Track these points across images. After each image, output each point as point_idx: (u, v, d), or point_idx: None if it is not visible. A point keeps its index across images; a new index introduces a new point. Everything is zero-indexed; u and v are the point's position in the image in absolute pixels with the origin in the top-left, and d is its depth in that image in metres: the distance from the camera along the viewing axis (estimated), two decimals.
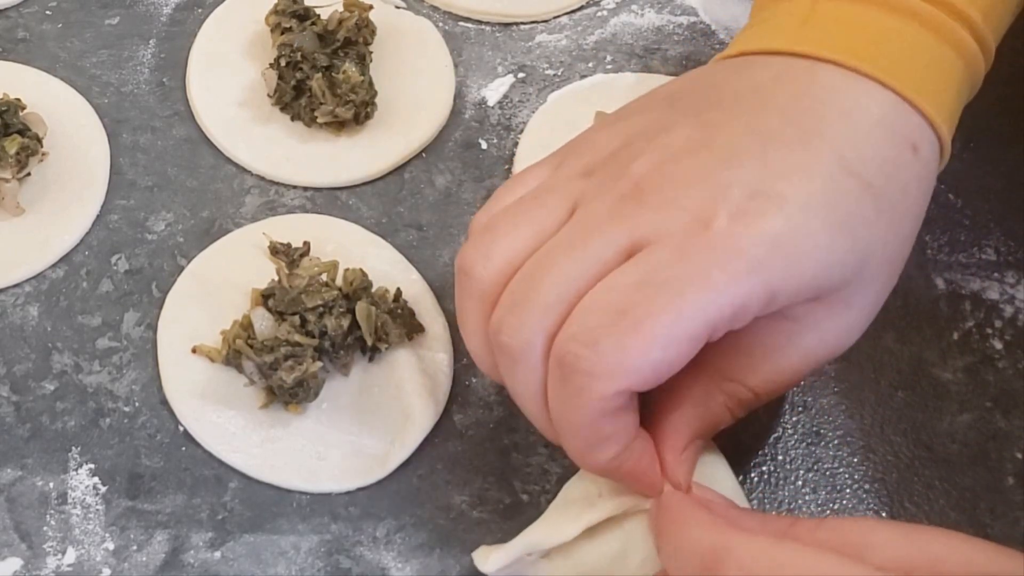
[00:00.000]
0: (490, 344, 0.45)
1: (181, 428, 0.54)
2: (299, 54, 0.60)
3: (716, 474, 0.48)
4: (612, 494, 0.46)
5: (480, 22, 0.67)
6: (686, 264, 0.41)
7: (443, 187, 0.61)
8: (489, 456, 0.54)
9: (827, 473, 0.54)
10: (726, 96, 0.47)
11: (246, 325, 0.54)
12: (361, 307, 0.54)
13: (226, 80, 0.63)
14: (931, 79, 0.47)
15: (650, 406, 0.47)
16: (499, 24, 0.67)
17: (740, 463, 0.54)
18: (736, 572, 0.39)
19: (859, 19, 0.47)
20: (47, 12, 0.66)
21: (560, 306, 0.43)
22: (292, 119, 0.62)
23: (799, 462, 0.54)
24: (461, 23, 0.67)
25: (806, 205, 0.43)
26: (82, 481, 0.52)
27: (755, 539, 0.40)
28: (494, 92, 0.65)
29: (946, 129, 0.47)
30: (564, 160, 0.47)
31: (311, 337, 0.53)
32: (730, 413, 0.47)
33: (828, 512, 0.53)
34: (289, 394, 0.52)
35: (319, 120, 0.61)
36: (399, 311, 0.55)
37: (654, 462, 0.46)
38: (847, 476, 0.54)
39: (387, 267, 0.58)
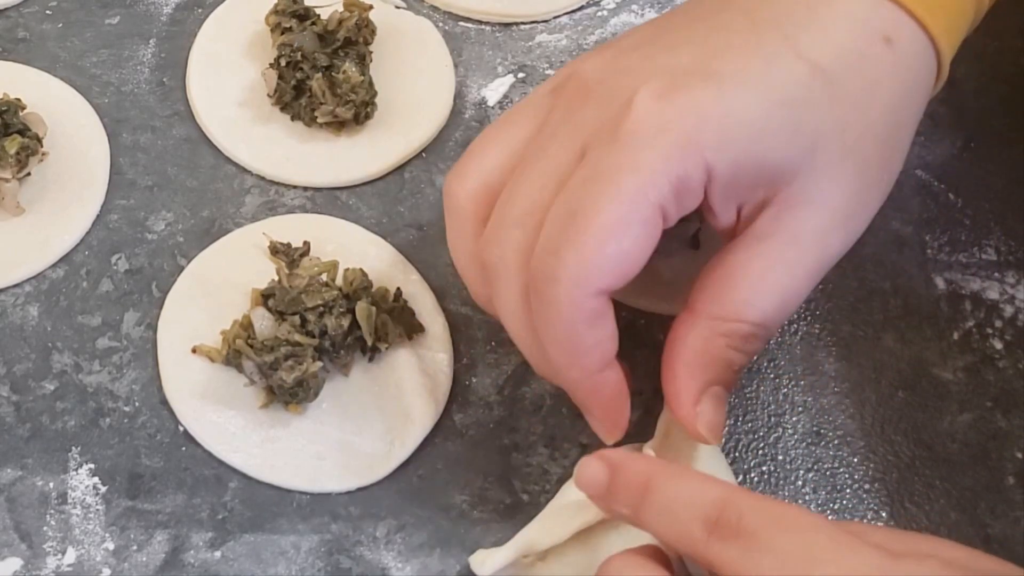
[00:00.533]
0: (477, 265, 0.47)
1: (181, 428, 0.54)
2: (299, 54, 0.60)
3: (716, 475, 0.48)
4: None
5: (480, 22, 0.67)
6: (619, 150, 0.42)
7: (443, 187, 0.61)
8: (489, 456, 0.54)
9: (827, 473, 0.54)
10: (700, 4, 0.47)
11: (246, 325, 0.54)
12: (361, 307, 0.54)
13: (226, 80, 0.63)
14: None
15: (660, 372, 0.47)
16: (499, 24, 0.67)
17: (740, 463, 0.54)
18: (748, 518, 0.37)
19: None
20: (47, 12, 0.66)
21: (529, 219, 0.44)
22: (292, 119, 0.62)
23: (799, 462, 0.54)
24: (461, 23, 0.67)
25: (740, 80, 0.43)
26: (82, 481, 0.52)
27: (758, 495, 0.40)
28: (494, 92, 0.65)
29: (939, 30, 0.46)
30: (544, 81, 0.49)
31: (311, 337, 0.53)
32: (739, 353, 0.46)
33: (828, 512, 0.53)
34: (289, 394, 0.52)
35: (319, 120, 0.61)
36: (399, 311, 0.55)
37: (624, 399, 0.46)
38: (847, 476, 0.54)
39: (387, 267, 0.58)
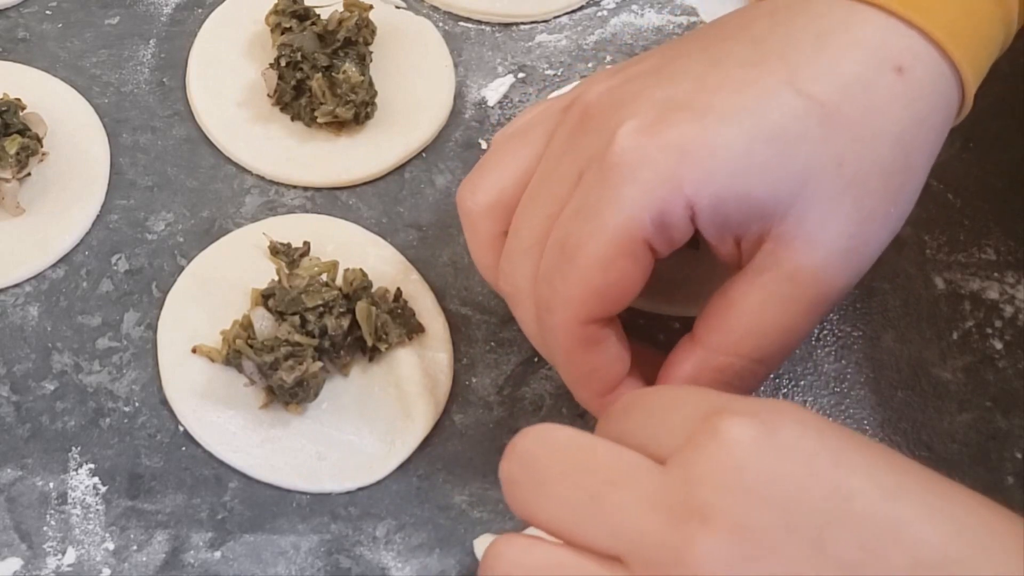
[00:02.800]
0: (495, 270, 0.48)
1: (181, 428, 0.54)
2: (299, 54, 0.60)
3: None
4: None
5: (480, 22, 0.67)
6: (603, 184, 0.43)
7: (443, 187, 0.61)
8: (489, 456, 0.54)
9: None
10: (711, 30, 0.48)
11: (246, 325, 0.54)
12: (361, 307, 0.54)
13: (226, 80, 0.63)
14: (951, 9, 0.45)
15: None
16: (499, 24, 0.67)
17: None
18: (742, 424, 0.35)
19: None
20: (47, 12, 0.66)
21: (536, 248, 0.45)
22: (292, 119, 0.62)
23: None
24: (461, 23, 0.67)
25: (727, 115, 0.42)
26: (82, 481, 0.52)
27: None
28: (494, 92, 0.65)
29: (962, 55, 0.45)
30: (559, 96, 0.49)
31: (311, 337, 0.53)
32: (732, 388, 0.45)
33: None
34: (289, 394, 0.52)
35: (319, 120, 0.61)
36: (399, 311, 0.55)
37: None
38: None
39: (387, 267, 0.58)
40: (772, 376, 0.56)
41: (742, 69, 0.44)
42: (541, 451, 0.37)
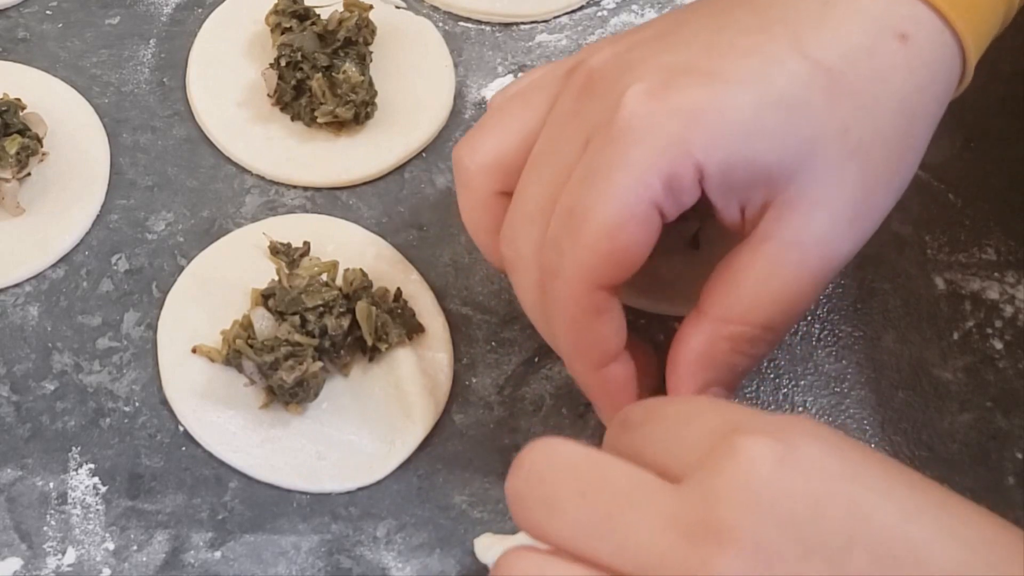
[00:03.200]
0: (492, 235, 0.48)
1: (181, 428, 0.54)
2: (299, 54, 0.60)
3: None
4: None
5: (480, 22, 0.67)
6: (611, 148, 0.43)
7: (443, 187, 0.61)
8: (489, 456, 0.54)
9: None
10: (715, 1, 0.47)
11: (246, 325, 0.54)
12: (361, 307, 0.54)
13: (226, 80, 0.63)
14: None
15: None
16: (499, 24, 0.67)
17: None
18: (761, 444, 0.35)
19: None
20: (47, 12, 0.66)
21: (541, 215, 0.45)
22: (292, 119, 0.62)
23: None
24: (461, 23, 0.67)
25: (734, 80, 0.43)
26: (82, 481, 0.52)
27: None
28: (494, 92, 0.65)
29: (964, 25, 0.45)
30: (562, 60, 0.49)
31: (311, 337, 0.53)
32: (743, 356, 0.46)
33: None
34: (289, 394, 0.52)
35: (319, 120, 0.61)
36: (399, 311, 0.55)
37: (630, 394, 0.46)
38: None
39: (387, 267, 0.58)
40: (772, 376, 0.56)
41: (748, 35, 0.44)
42: (550, 469, 0.37)
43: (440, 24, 0.67)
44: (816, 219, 0.44)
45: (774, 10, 0.45)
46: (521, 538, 0.47)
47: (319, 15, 0.62)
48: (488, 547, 0.48)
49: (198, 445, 0.53)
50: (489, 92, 0.64)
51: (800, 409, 0.55)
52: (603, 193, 0.42)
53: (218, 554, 0.51)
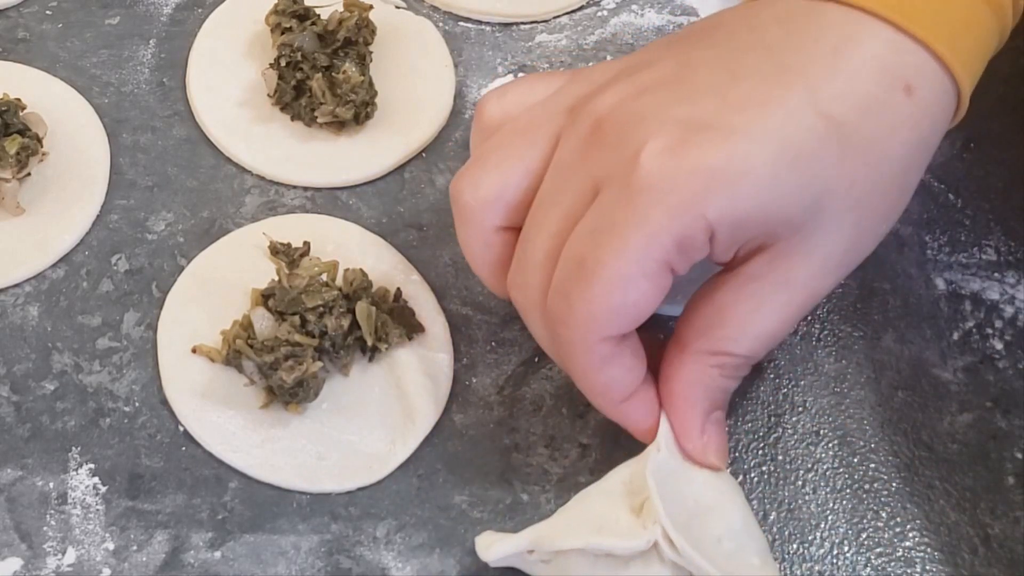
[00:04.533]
0: (493, 268, 0.49)
1: (181, 428, 0.54)
2: (299, 54, 0.60)
3: (718, 487, 0.48)
4: (636, 527, 0.46)
5: (480, 22, 0.67)
6: (628, 205, 0.42)
7: (443, 187, 0.61)
8: (489, 456, 0.54)
9: (827, 473, 0.54)
10: (721, 35, 0.47)
11: (246, 325, 0.54)
12: (361, 307, 0.54)
13: (226, 80, 0.63)
14: (944, 17, 0.45)
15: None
16: (499, 24, 0.67)
17: (740, 463, 0.54)
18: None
19: None
20: (47, 12, 0.66)
21: (550, 262, 0.45)
22: (292, 119, 0.62)
23: (799, 462, 0.54)
24: (461, 23, 0.67)
25: (755, 138, 0.42)
26: (82, 481, 0.52)
27: None
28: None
29: (962, 71, 0.46)
30: (566, 84, 0.49)
31: (311, 337, 0.53)
32: (730, 380, 0.47)
33: (828, 512, 0.53)
34: (289, 394, 0.52)
35: (319, 120, 0.61)
36: (399, 311, 0.55)
37: (653, 417, 0.47)
38: (847, 476, 0.54)
39: (387, 267, 0.58)
40: (772, 377, 0.56)
41: (763, 86, 0.43)
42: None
43: (440, 24, 0.67)
44: (809, 265, 0.45)
45: (787, 56, 0.44)
46: (522, 537, 0.47)
47: (319, 15, 0.62)
48: (488, 546, 0.48)
49: (198, 445, 0.53)
50: None
51: (800, 409, 0.55)
52: (616, 249, 0.42)
53: (218, 554, 0.51)
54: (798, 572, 0.51)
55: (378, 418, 0.54)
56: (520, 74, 0.65)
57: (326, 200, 0.61)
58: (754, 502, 0.53)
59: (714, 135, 0.42)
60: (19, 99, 0.59)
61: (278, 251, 0.57)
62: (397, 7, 0.66)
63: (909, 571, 0.51)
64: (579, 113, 0.46)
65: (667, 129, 0.43)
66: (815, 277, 0.46)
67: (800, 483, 0.54)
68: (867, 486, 0.54)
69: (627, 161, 0.43)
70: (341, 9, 0.63)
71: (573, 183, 0.45)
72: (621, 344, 0.45)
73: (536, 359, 0.56)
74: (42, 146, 0.59)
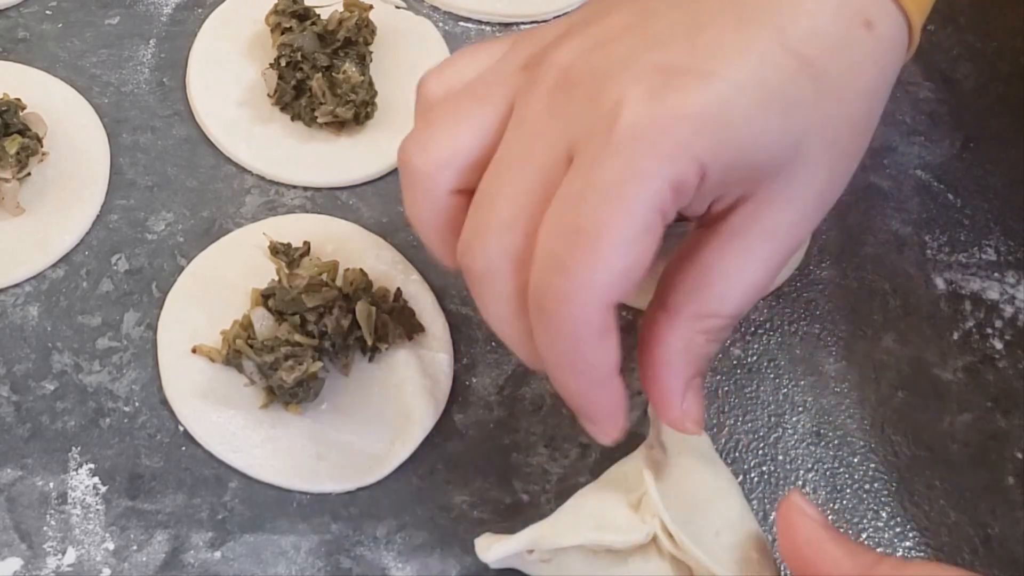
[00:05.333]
0: (444, 235, 0.46)
1: (181, 428, 0.54)
2: (299, 54, 0.60)
3: (709, 468, 0.48)
4: (634, 522, 0.46)
5: (480, 22, 0.67)
6: (619, 158, 0.41)
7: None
8: (489, 456, 0.54)
9: (827, 473, 0.54)
10: None
11: (246, 325, 0.54)
12: (361, 307, 0.54)
13: (226, 80, 0.63)
14: None
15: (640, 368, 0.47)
16: (499, 24, 0.67)
17: (740, 463, 0.54)
18: None
19: None
20: (47, 12, 0.66)
21: (517, 224, 0.43)
22: (292, 119, 0.62)
23: (799, 462, 0.54)
24: (461, 23, 0.67)
25: (735, 81, 0.42)
26: (82, 481, 0.52)
27: None
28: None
29: (912, 4, 0.46)
30: (511, 47, 0.47)
31: (311, 337, 0.53)
32: (714, 344, 0.46)
33: (828, 512, 0.53)
34: (289, 394, 0.52)
35: (319, 120, 0.61)
36: (399, 311, 0.55)
37: (624, 405, 0.45)
38: (847, 476, 0.54)
39: (387, 267, 0.58)
40: (772, 376, 0.56)
41: (731, 30, 0.43)
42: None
43: (440, 24, 0.67)
44: (791, 211, 0.44)
45: (748, 1, 0.44)
46: (521, 538, 0.47)
47: (319, 15, 0.62)
48: (487, 547, 0.48)
49: (198, 445, 0.53)
50: None
51: (800, 409, 0.55)
52: (616, 208, 0.41)
53: (218, 554, 0.51)
54: None
55: (378, 418, 0.54)
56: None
57: (326, 200, 0.61)
58: (754, 502, 0.53)
59: (693, 79, 0.42)
60: (19, 99, 0.59)
61: (278, 251, 0.57)
62: (397, 7, 0.66)
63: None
64: (538, 68, 0.44)
65: (645, 76, 0.42)
66: (798, 223, 0.45)
67: (800, 483, 0.54)
68: (867, 486, 0.54)
69: (607, 114, 0.41)
70: (341, 9, 0.63)
71: (542, 141, 0.43)
72: (615, 316, 0.43)
73: None
74: (42, 146, 0.59)
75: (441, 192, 0.45)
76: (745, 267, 0.45)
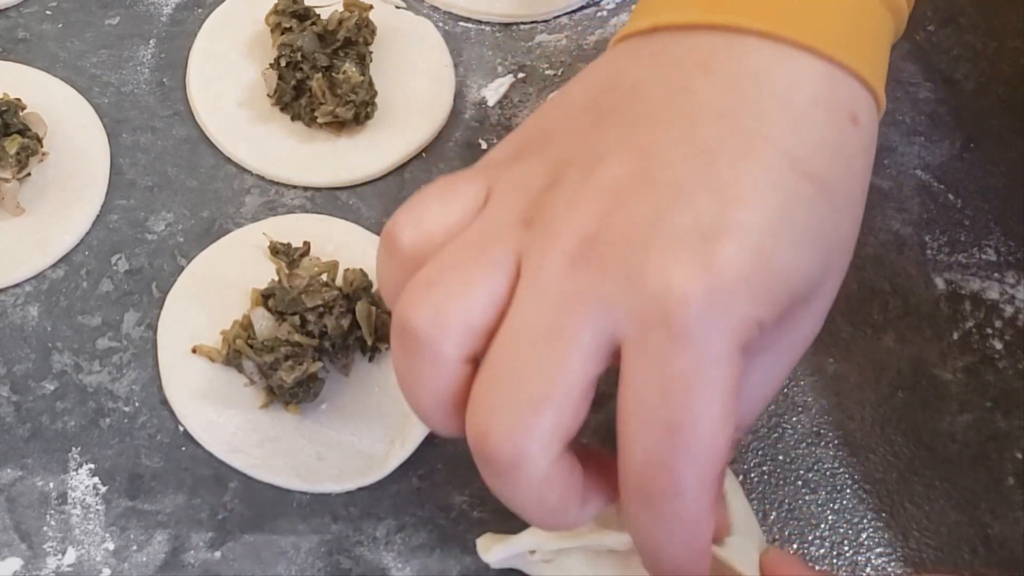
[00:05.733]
0: (449, 408, 0.42)
1: (181, 428, 0.54)
2: (299, 54, 0.60)
3: (728, 500, 0.48)
4: None
5: (480, 22, 0.67)
6: (690, 346, 0.39)
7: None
8: None
9: (827, 473, 0.54)
10: (652, 102, 0.42)
11: (246, 325, 0.54)
12: (361, 307, 0.54)
13: (226, 80, 0.63)
14: (860, 36, 0.44)
15: None
16: (499, 24, 0.67)
17: (740, 463, 0.54)
18: None
19: None
20: (47, 12, 0.66)
21: (550, 403, 0.39)
22: (292, 119, 0.62)
23: (799, 462, 0.54)
24: (461, 23, 0.67)
25: (769, 228, 0.40)
26: (82, 481, 0.52)
27: None
28: (494, 92, 0.65)
29: (880, 86, 0.45)
30: (495, 199, 0.43)
31: (311, 337, 0.53)
32: (729, 454, 0.44)
33: (828, 512, 0.53)
34: (289, 394, 0.52)
35: (319, 120, 0.61)
36: None
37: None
38: (847, 476, 0.54)
39: None
40: None
41: (744, 164, 0.41)
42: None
43: (440, 24, 0.67)
44: (812, 322, 0.44)
45: (743, 120, 0.42)
46: (522, 538, 0.47)
47: (319, 15, 0.62)
48: (488, 548, 0.48)
49: (198, 445, 0.53)
50: (489, 92, 0.64)
51: (799, 409, 0.55)
52: (704, 400, 0.39)
53: (218, 554, 0.51)
54: None
55: (378, 418, 0.54)
56: (520, 74, 0.65)
57: (326, 200, 0.61)
58: (754, 502, 0.53)
59: (731, 239, 0.39)
60: (19, 99, 0.59)
61: (278, 251, 0.57)
62: (397, 7, 0.66)
63: (909, 571, 0.51)
64: (546, 229, 0.41)
65: (682, 246, 0.39)
66: (816, 330, 0.44)
67: (800, 483, 0.54)
68: (867, 486, 0.54)
69: (657, 296, 0.39)
70: (341, 9, 0.63)
71: (577, 319, 0.40)
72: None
73: None
74: (42, 146, 0.59)
75: (452, 361, 0.41)
76: (766, 384, 0.44)
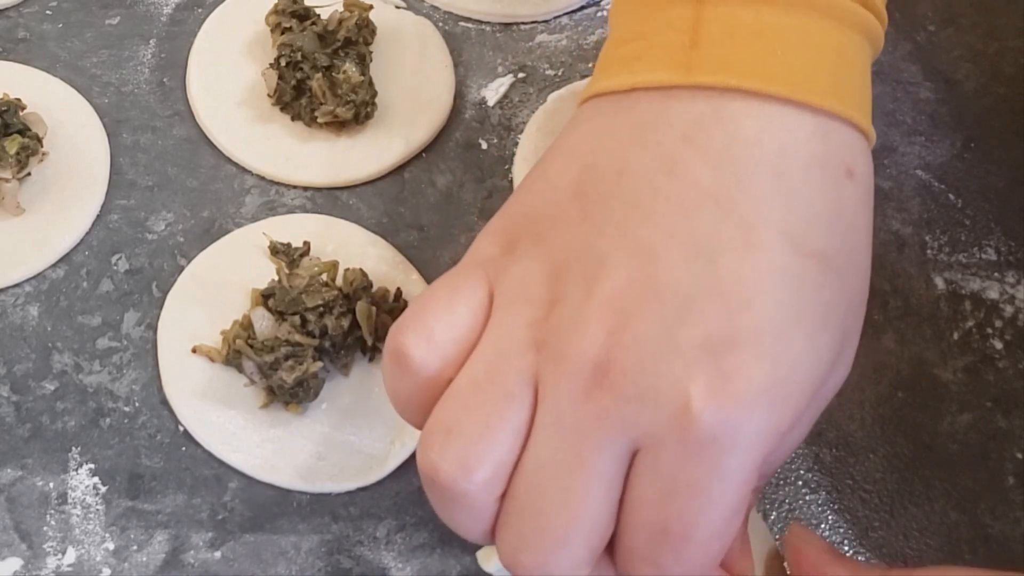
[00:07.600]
0: (488, 536, 0.42)
1: (181, 428, 0.54)
2: (299, 54, 0.60)
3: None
4: None
5: (480, 22, 0.67)
6: (700, 461, 0.38)
7: (444, 187, 0.61)
8: None
9: (827, 473, 0.54)
10: (640, 189, 0.41)
11: (246, 325, 0.54)
12: (361, 307, 0.54)
13: (226, 80, 0.63)
14: (844, 76, 0.42)
15: None
16: (499, 24, 0.67)
17: None
18: None
19: (755, 26, 0.41)
20: (47, 12, 0.66)
21: (578, 535, 0.40)
22: (292, 119, 0.62)
23: (799, 462, 0.54)
24: (461, 23, 0.67)
25: (780, 328, 0.39)
26: (82, 481, 0.52)
27: None
28: (494, 92, 0.65)
29: (870, 123, 0.43)
30: (500, 317, 0.42)
31: (311, 337, 0.53)
32: (754, 500, 0.45)
33: (828, 512, 0.53)
34: (289, 394, 0.52)
35: (319, 120, 0.61)
36: (399, 311, 0.55)
37: None
38: (847, 476, 0.54)
39: (387, 267, 0.58)
40: None
41: (747, 255, 0.39)
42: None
43: (440, 24, 0.67)
44: (836, 379, 0.43)
45: (738, 204, 0.40)
46: None
47: (319, 15, 0.62)
48: (489, 557, 0.48)
49: (198, 445, 0.53)
50: (489, 92, 0.64)
51: None
52: (705, 508, 0.39)
53: (218, 554, 0.51)
54: None
55: (378, 418, 0.54)
56: (520, 74, 0.65)
57: (326, 200, 0.61)
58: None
59: (745, 350, 0.39)
60: (19, 99, 0.59)
61: (278, 251, 0.57)
62: (397, 7, 0.66)
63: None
64: (559, 355, 0.40)
65: (695, 364, 0.38)
66: (840, 384, 0.43)
67: (800, 483, 0.54)
68: (867, 486, 0.54)
69: (672, 416, 0.38)
70: (341, 9, 0.63)
71: (596, 449, 0.39)
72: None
73: None
74: (42, 146, 0.59)
75: (489, 504, 0.41)
76: (789, 449, 0.43)
